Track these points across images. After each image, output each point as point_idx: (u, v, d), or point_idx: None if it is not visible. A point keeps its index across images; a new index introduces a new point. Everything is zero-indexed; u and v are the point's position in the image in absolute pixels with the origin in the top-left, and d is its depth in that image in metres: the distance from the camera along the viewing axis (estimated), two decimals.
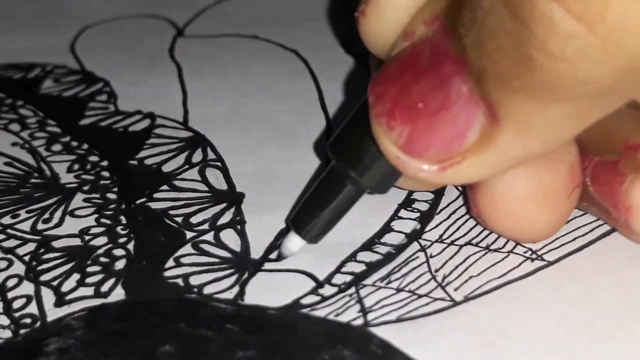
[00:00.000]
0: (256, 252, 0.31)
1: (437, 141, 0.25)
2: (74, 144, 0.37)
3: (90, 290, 0.30)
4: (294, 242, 0.30)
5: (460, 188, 0.33)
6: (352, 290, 0.29)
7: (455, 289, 0.29)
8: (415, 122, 0.25)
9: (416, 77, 0.26)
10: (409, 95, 0.26)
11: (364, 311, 0.28)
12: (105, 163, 0.36)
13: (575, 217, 0.31)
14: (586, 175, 0.30)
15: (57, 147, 0.37)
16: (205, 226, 0.32)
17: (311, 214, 0.29)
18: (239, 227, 0.32)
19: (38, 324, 0.28)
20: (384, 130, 0.26)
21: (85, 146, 0.37)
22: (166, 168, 0.35)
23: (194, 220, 0.32)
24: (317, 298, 0.29)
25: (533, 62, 0.22)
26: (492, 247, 0.30)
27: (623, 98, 0.24)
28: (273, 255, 0.31)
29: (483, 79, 0.24)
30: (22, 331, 0.28)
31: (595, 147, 0.29)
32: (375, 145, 0.27)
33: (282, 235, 0.31)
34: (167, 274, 0.30)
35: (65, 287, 0.30)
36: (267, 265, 0.30)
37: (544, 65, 0.22)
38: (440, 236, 0.31)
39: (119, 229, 0.32)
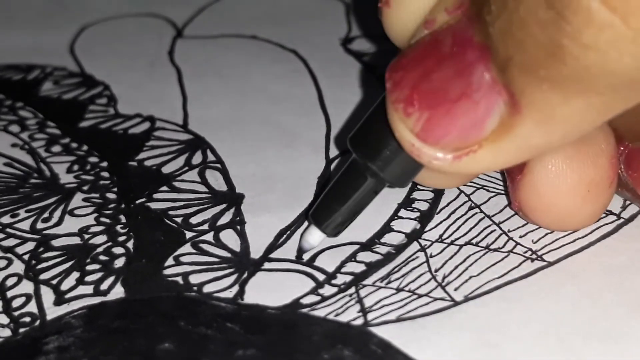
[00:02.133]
0: (256, 252, 0.31)
1: (455, 129, 0.25)
2: (74, 145, 0.37)
3: (89, 289, 0.30)
4: (314, 236, 0.30)
5: (464, 193, 0.33)
6: (352, 290, 0.29)
7: (456, 289, 0.29)
8: (434, 108, 0.26)
9: (437, 63, 0.26)
10: (430, 82, 0.26)
11: (364, 311, 0.28)
12: (104, 164, 0.36)
13: None
14: (620, 161, 0.30)
15: (56, 149, 0.37)
16: (205, 226, 0.32)
17: (331, 208, 0.29)
18: (238, 227, 0.32)
19: (37, 322, 0.28)
20: (400, 117, 0.26)
21: (85, 147, 0.37)
22: (166, 170, 0.35)
23: (194, 220, 0.32)
24: (317, 298, 0.29)
25: (564, 52, 0.23)
26: (492, 247, 0.30)
27: None
28: (282, 252, 0.31)
29: (508, 67, 0.24)
30: (22, 330, 0.28)
31: (630, 133, 0.30)
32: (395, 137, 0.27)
33: (281, 235, 0.31)
34: (167, 272, 0.30)
35: (64, 286, 0.30)
36: (267, 265, 0.30)
37: (575, 54, 0.22)
38: (440, 236, 0.31)
39: (118, 227, 0.32)
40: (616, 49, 0.22)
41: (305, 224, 0.32)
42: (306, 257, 0.30)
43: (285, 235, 0.31)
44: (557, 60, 0.23)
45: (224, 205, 0.33)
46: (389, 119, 0.26)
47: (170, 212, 0.33)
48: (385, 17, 0.28)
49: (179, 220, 0.32)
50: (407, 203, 0.33)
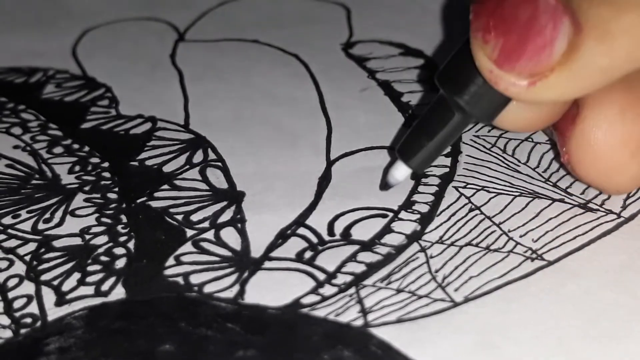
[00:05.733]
0: (256, 251, 0.31)
1: (527, 52, 0.27)
2: (75, 146, 0.37)
3: (90, 290, 0.30)
4: (400, 171, 0.31)
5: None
6: (352, 290, 0.29)
7: (456, 290, 0.29)
8: (507, 34, 0.27)
9: None
10: (503, 9, 0.27)
11: (364, 312, 0.28)
12: (106, 164, 0.36)
13: (576, 216, 0.31)
14: None
15: (58, 150, 0.37)
16: (206, 224, 0.32)
17: (418, 143, 0.30)
18: (239, 225, 0.32)
19: (38, 323, 0.29)
20: (479, 45, 0.27)
21: (87, 148, 0.37)
22: (167, 168, 0.35)
23: (195, 218, 0.32)
24: (317, 298, 0.29)
25: None
26: (492, 248, 0.30)
27: None
28: (283, 251, 0.31)
29: None
30: (23, 331, 0.28)
31: None
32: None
33: (282, 234, 0.31)
34: (168, 272, 0.30)
35: (65, 287, 0.30)
36: (267, 264, 0.30)
37: None
38: (441, 237, 0.31)
39: (119, 227, 0.32)
40: None
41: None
42: (390, 191, 0.31)
43: (286, 234, 0.31)
44: None
45: (224, 203, 0.33)
46: (472, 47, 0.28)
47: (171, 210, 0.33)
48: None
49: (179, 217, 0.32)
50: (407, 205, 0.33)
